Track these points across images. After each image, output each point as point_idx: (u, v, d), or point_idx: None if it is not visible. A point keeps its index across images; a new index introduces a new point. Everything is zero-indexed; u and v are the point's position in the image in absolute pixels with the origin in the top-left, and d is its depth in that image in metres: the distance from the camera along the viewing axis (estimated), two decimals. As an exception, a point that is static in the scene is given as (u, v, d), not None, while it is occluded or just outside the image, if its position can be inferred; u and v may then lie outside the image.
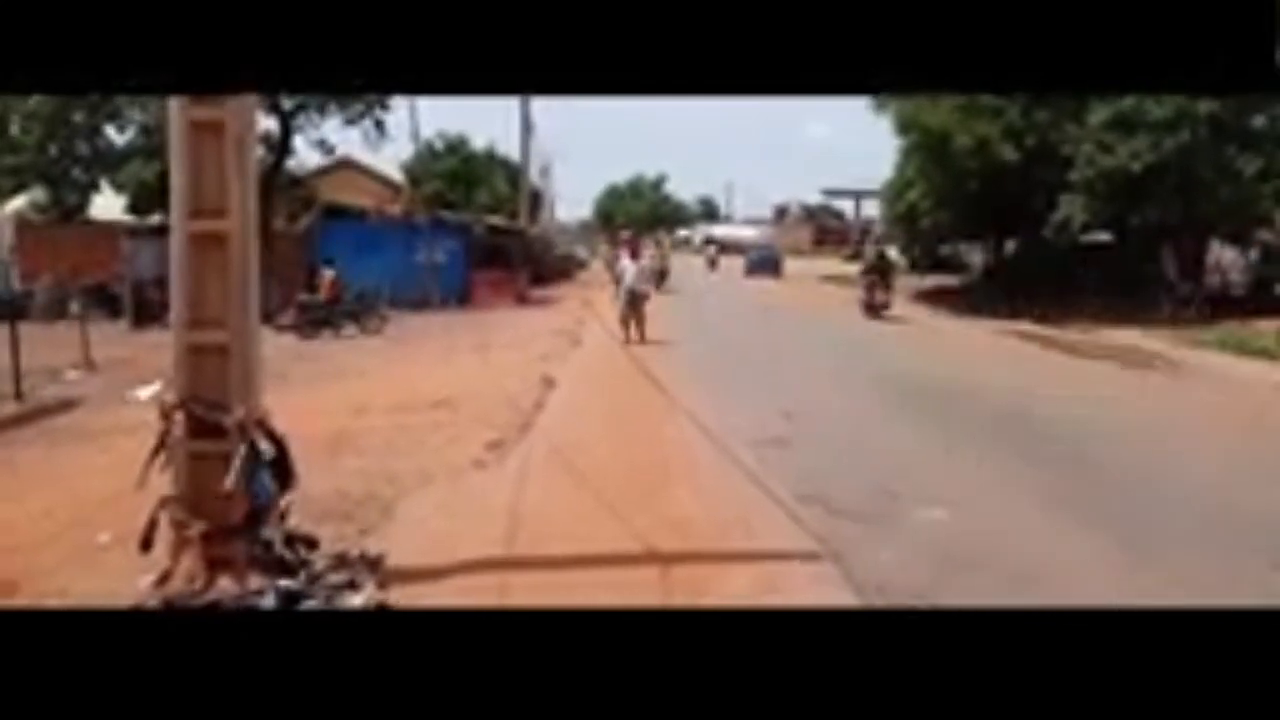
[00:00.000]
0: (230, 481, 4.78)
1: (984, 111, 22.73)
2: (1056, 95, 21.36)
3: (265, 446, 4.99)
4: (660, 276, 30.10)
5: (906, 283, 33.78)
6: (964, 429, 9.89)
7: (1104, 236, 25.03)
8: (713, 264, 50.56)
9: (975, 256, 39.77)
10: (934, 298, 30.49)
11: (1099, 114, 21.52)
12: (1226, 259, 27.10)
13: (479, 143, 51.50)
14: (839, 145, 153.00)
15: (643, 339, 17.01)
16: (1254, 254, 26.39)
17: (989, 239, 33.24)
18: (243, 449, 4.83)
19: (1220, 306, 22.23)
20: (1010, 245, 32.02)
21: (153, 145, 23.99)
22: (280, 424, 5.20)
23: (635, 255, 18.05)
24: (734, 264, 50.64)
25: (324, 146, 29.86)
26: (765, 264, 46.19)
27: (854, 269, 31.18)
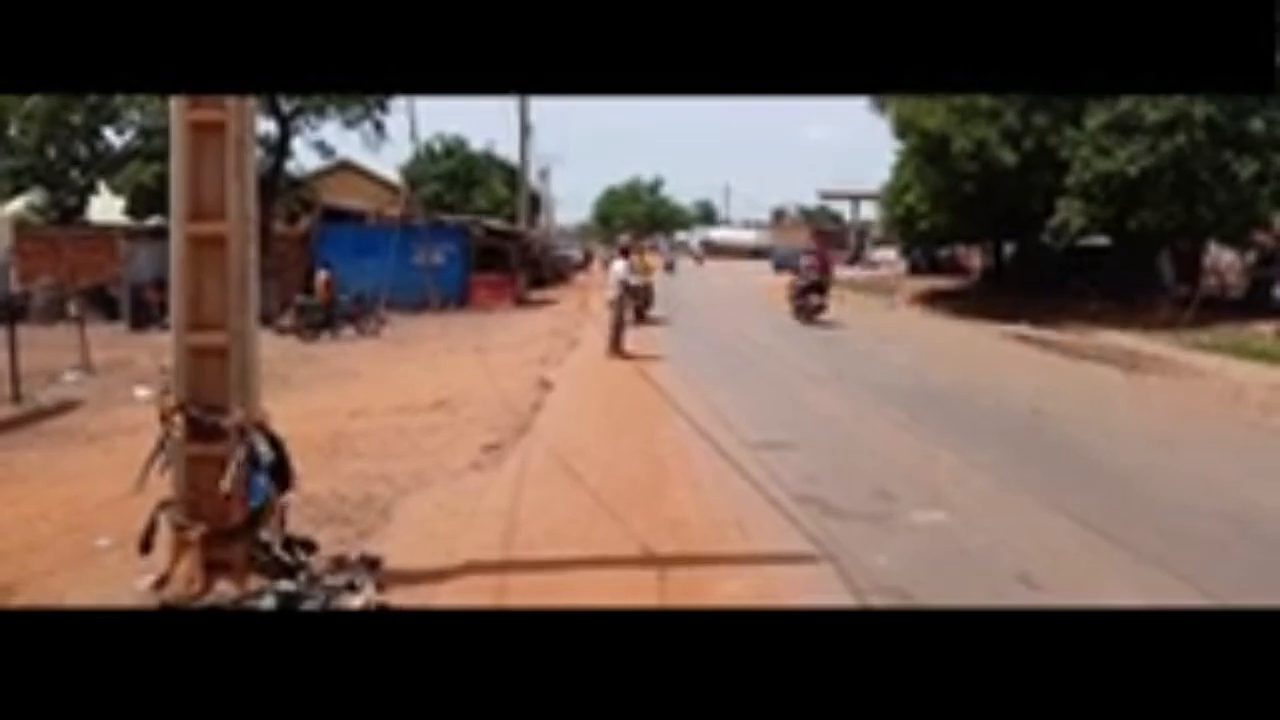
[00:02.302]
0: (227, 483, 4.79)
1: (982, 114, 22.73)
2: (1056, 96, 21.38)
3: (264, 449, 4.99)
4: (644, 299, 21.38)
5: (905, 286, 33.80)
6: (963, 429, 9.90)
7: (1102, 240, 25.05)
8: (699, 260, 62.46)
9: (974, 260, 39.87)
10: (932, 300, 30.50)
11: (1096, 118, 21.53)
12: (1224, 262, 27.12)
13: (477, 145, 51.71)
14: (836, 148, 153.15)
15: (620, 351, 15.92)
16: (1251, 256, 26.40)
17: (987, 242, 33.26)
18: (241, 451, 4.84)
19: (1218, 309, 22.24)
20: (1009, 248, 32.06)
21: (151, 148, 24.01)
22: (278, 426, 5.21)
23: (627, 256, 17.77)
24: (721, 264, 59.74)
25: (323, 149, 29.98)
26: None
27: (849, 272, 34.43)
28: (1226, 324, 20.38)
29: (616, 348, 16.03)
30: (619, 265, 17.34)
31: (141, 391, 11.12)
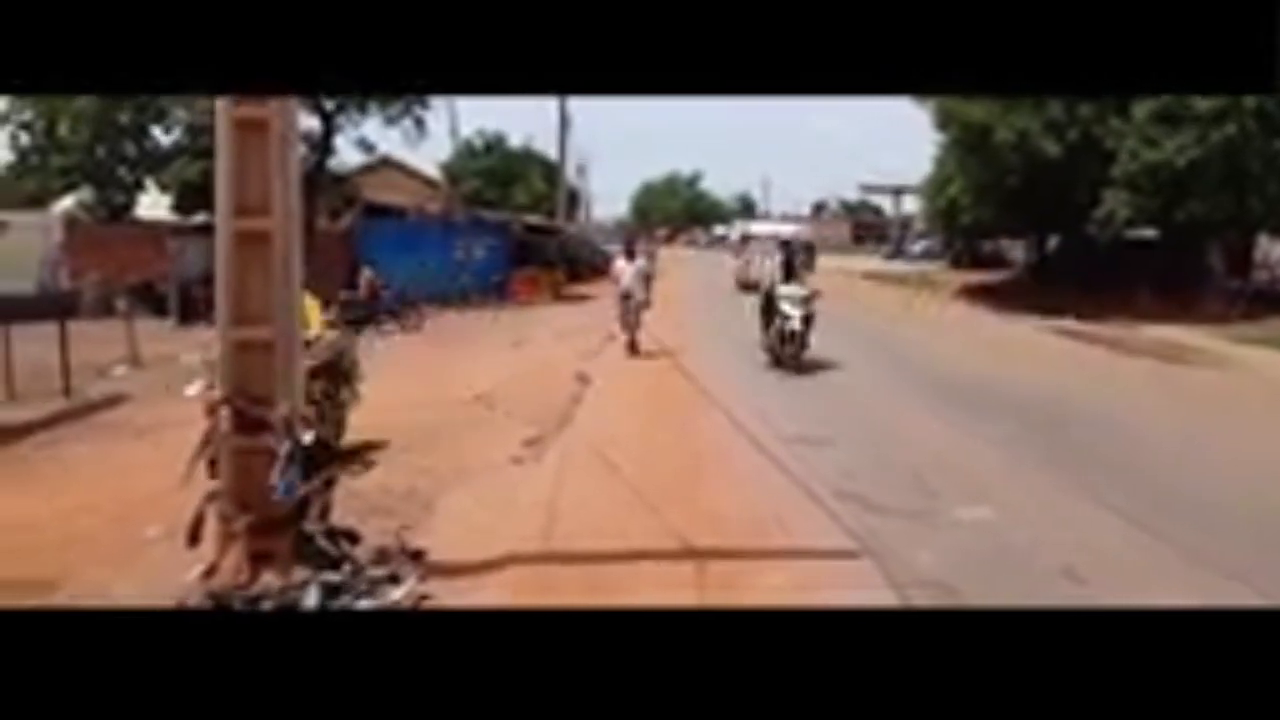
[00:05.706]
0: (276, 476, 4.85)
1: (1025, 105, 22.39)
2: (1057, 96, 21.12)
3: (308, 440, 5.06)
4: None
5: (947, 279, 33.46)
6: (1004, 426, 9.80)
7: (1149, 233, 24.61)
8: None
9: (1018, 253, 39.38)
10: (975, 294, 30.09)
11: (1143, 107, 21.14)
12: (1275, 255, 26.57)
13: (516, 141, 51.85)
14: (862, 141, 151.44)
15: (635, 348, 15.44)
16: (1304, 249, 25.85)
17: (1031, 235, 32.82)
18: (286, 444, 4.91)
19: (1269, 303, 21.79)
20: (1053, 241, 31.59)
21: (198, 145, 24.33)
22: (322, 419, 5.27)
23: (632, 256, 16.73)
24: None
25: (365, 145, 30.20)
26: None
27: (894, 266, 34.47)
28: (1278, 318, 19.98)
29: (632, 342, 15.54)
30: (627, 273, 15.90)
31: (192, 390, 11.29)
